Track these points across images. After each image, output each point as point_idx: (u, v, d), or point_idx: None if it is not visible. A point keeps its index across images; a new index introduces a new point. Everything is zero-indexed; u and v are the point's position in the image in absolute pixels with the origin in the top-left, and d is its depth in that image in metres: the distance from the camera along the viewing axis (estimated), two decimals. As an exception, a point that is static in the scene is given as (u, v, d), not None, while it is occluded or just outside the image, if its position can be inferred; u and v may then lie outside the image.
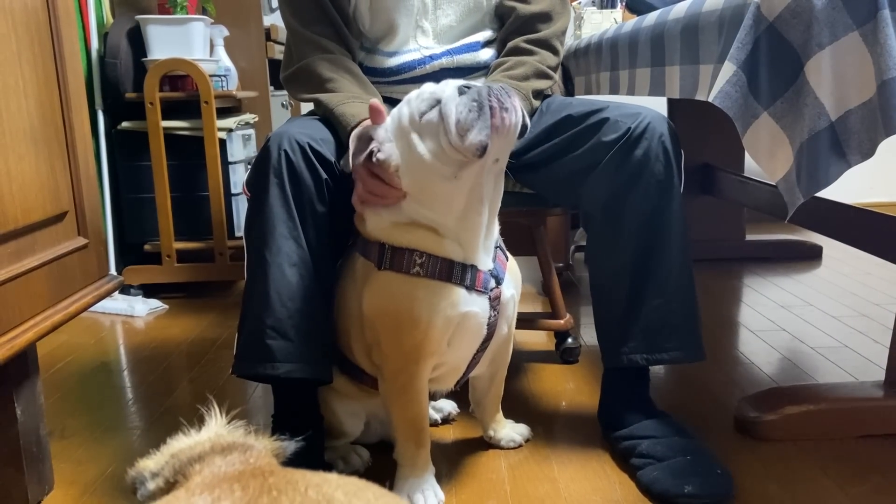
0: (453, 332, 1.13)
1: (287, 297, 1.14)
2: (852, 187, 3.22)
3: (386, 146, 1.08)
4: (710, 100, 1.08)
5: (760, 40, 1.04)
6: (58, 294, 1.14)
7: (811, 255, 2.75)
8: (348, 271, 1.20)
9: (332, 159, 1.18)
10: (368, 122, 1.15)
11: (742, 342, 1.89)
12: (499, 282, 1.16)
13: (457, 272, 1.10)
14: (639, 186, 1.23)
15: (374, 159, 1.07)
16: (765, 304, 2.20)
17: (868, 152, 0.99)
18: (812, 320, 2.03)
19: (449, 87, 1.07)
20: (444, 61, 1.36)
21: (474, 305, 1.13)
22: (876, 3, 0.98)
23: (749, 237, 2.82)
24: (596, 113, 1.27)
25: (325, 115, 1.25)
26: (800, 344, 1.85)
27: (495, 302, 1.15)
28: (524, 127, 1.07)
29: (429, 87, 1.09)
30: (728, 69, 1.05)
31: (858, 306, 2.15)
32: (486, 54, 1.39)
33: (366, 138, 1.10)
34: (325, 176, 1.17)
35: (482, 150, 1.02)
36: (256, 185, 1.17)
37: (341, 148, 1.21)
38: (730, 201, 2.62)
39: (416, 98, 1.08)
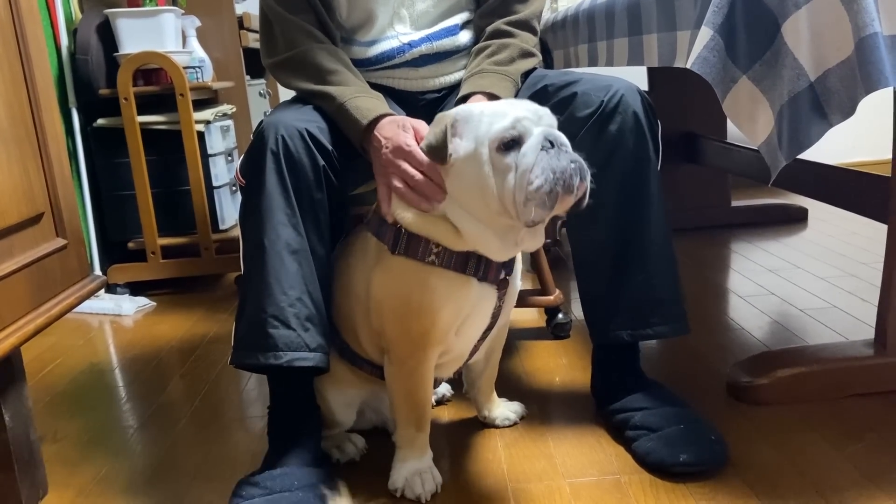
0: (461, 322, 1.13)
1: (287, 285, 1.12)
2: (836, 147, 3.23)
3: (456, 141, 1.06)
4: (688, 66, 1.07)
5: (736, 3, 1.03)
6: (39, 297, 1.12)
7: (797, 218, 2.76)
8: (357, 251, 1.18)
9: (330, 147, 1.16)
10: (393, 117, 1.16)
11: (732, 308, 1.90)
12: (509, 273, 1.15)
13: (471, 264, 1.09)
14: (615, 162, 1.22)
15: (449, 151, 1.05)
16: (753, 268, 2.21)
17: (849, 111, 0.98)
18: (800, 282, 2.04)
19: (537, 129, 1.02)
20: (424, 48, 1.33)
21: (484, 296, 1.13)
22: (851, -41, 0.96)
23: (735, 203, 2.82)
24: (569, 86, 1.26)
25: (332, 108, 1.21)
26: (789, 307, 1.86)
27: (503, 293, 1.15)
28: (580, 203, 1.04)
29: (517, 111, 1.03)
30: (705, 34, 1.04)
31: (846, 266, 2.16)
32: (466, 37, 1.36)
33: (445, 125, 1.06)
34: (322, 163, 1.15)
35: (533, 225, 1.03)
36: (252, 172, 1.15)
37: (338, 135, 1.19)
38: (714, 168, 2.62)
39: (505, 118, 1.03)
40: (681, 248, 2.50)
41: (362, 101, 1.19)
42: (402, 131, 1.14)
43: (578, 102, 1.23)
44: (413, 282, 1.09)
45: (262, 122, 1.18)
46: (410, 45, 1.33)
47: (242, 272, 1.19)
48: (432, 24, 1.35)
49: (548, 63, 2.50)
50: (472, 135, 1.05)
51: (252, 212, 1.15)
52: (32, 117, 1.15)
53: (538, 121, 1.05)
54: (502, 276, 1.13)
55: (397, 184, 1.11)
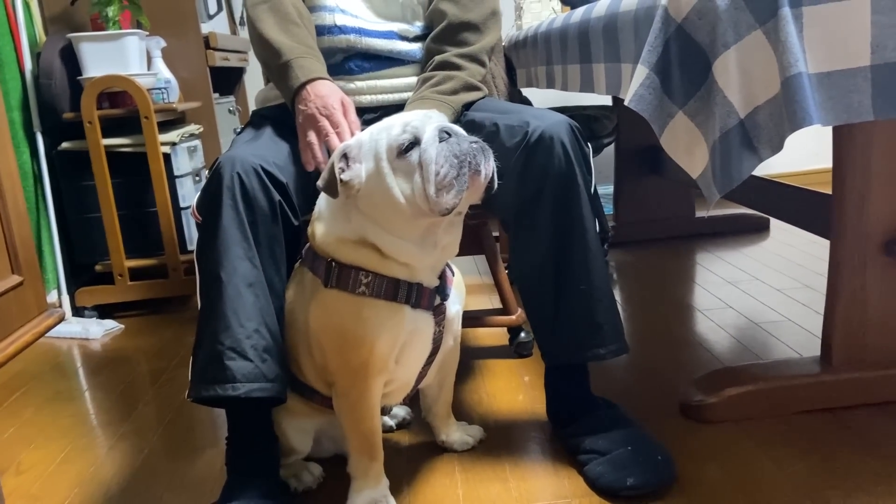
0: (400, 350, 1.14)
1: (244, 317, 1.14)
2: (798, 154, 3.29)
3: (355, 167, 1.09)
4: (626, 103, 1.10)
5: (670, 42, 1.07)
6: (-5, 337, 1.13)
7: (759, 228, 2.81)
8: (297, 286, 1.21)
9: (285, 181, 1.19)
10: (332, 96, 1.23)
11: (690, 322, 1.94)
12: (444, 298, 1.17)
13: (402, 292, 1.11)
14: (546, 190, 1.25)
15: (338, 178, 1.08)
16: (713, 281, 2.25)
17: (777, 146, 1.02)
18: (758, 295, 2.08)
19: (429, 126, 1.07)
20: (353, 38, 1.37)
21: (420, 323, 1.15)
22: (777, 0, 1.00)
23: (698, 213, 2.87)
24: (495, 120, 1.30)
25: (277, 62, 1.28)
26: (745, 321, 1.90)
27: (440, 318, 1.17)
28: (491, 185, 1.09)
29: (404, 118, 1.09)
30: (641, 72, 1.08)
31: (803, 277, 2.21)
32: (405, 47, 1.40)
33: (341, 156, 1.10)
34: (277, 197, 1.18)
35: (450, 211, 1.05)
36: (209, 208, 1.17)
37: (293, 170, 1.23)
38: (678, 180, 2.67)
39: (395, 127, 1.07)
40: (645, 259, 2.54)
41: (307, 61, 1.28)
42: (332, 94, 1.23)
43: (504, 134, 1.27)
44: (346, 314, 1.11)
45: (218, 159, 1.20)
46: (341, 29, 1.37)
47: (199, 307, 1.21)
48: (373, 12, 1.38)
49: (512, 79, 2.53)
50: (371, 154, 1.08)
51: (209, 247, 1.17)
52: (-14, 157, 1.16)
53: (427, 121, 1.09)
54: (437, 302, 1.16)
55: (311, 139, 1.20)
